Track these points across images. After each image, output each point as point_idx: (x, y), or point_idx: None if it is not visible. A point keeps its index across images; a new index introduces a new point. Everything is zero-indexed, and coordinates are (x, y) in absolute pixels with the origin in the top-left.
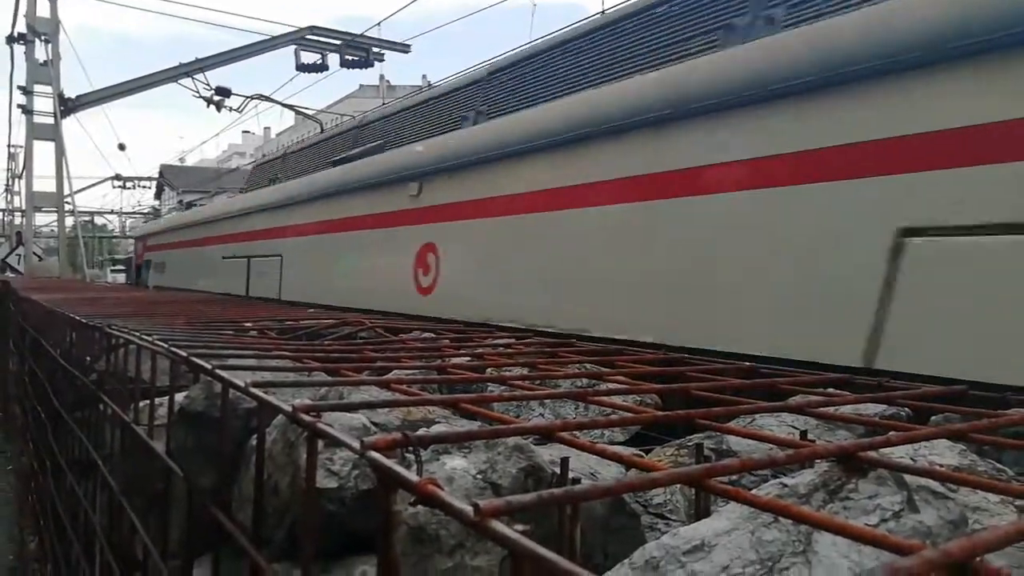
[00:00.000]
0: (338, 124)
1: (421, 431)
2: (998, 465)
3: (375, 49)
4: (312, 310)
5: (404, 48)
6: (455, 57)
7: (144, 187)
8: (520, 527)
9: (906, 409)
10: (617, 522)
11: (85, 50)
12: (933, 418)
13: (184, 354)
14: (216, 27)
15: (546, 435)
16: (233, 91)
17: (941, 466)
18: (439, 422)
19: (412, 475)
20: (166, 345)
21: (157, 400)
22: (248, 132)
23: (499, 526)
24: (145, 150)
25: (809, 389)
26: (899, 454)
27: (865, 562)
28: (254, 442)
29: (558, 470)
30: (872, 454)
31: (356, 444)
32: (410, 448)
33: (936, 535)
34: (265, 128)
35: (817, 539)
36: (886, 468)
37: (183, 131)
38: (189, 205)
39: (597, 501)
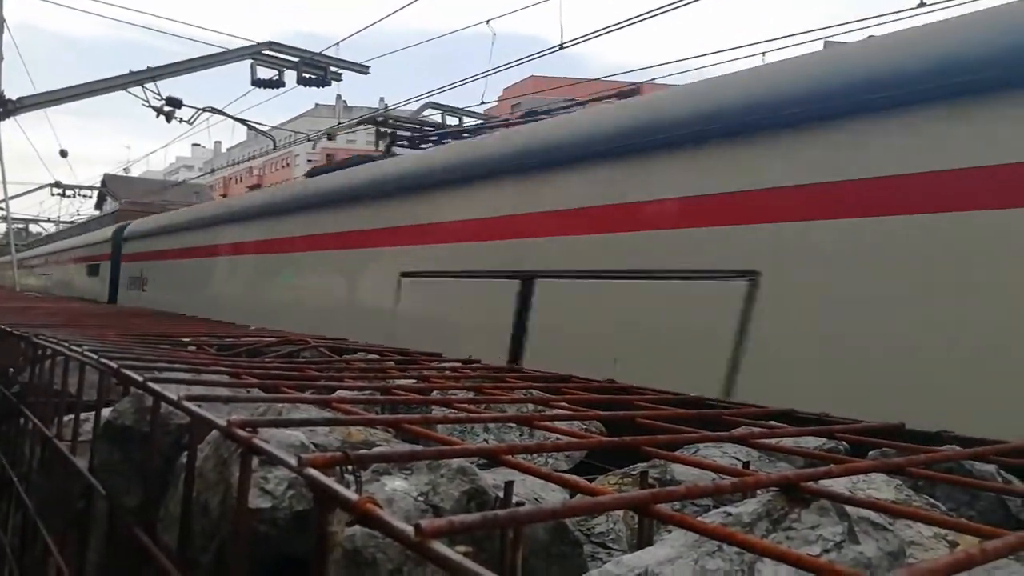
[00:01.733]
0: (293, 141)
1: (361, 450)
2: (932, 500)
3: (333, 68)
4: (254, 327)
5: (363, 69)
6: (413, 80)
7: (85, 196)
8: (462, 548)
9: (844, 443)
10: (559, 549)
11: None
12: (871, 452)
13: (114, 365)
14: (169, 36)
15: (491, 457)
16: (185, 102)
17: (878, 499)
18: (380, 445)
19: (351, 493)
20: (95, 356)
21: (83, 415)
22: (198, 145)
23: (441, 547)
24: (88, 158)
25: (752, 421)
26: (838, 487)
27: None
28: (184, 459)
29: (502, 494)
30: (814, 485)
31: (293, 460)
32: (350, 467)
33: (876, 566)
34: (216, 142)
35: (760, 568)
36: (828, 499)
37: (130, 141)
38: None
39: (540, 527)
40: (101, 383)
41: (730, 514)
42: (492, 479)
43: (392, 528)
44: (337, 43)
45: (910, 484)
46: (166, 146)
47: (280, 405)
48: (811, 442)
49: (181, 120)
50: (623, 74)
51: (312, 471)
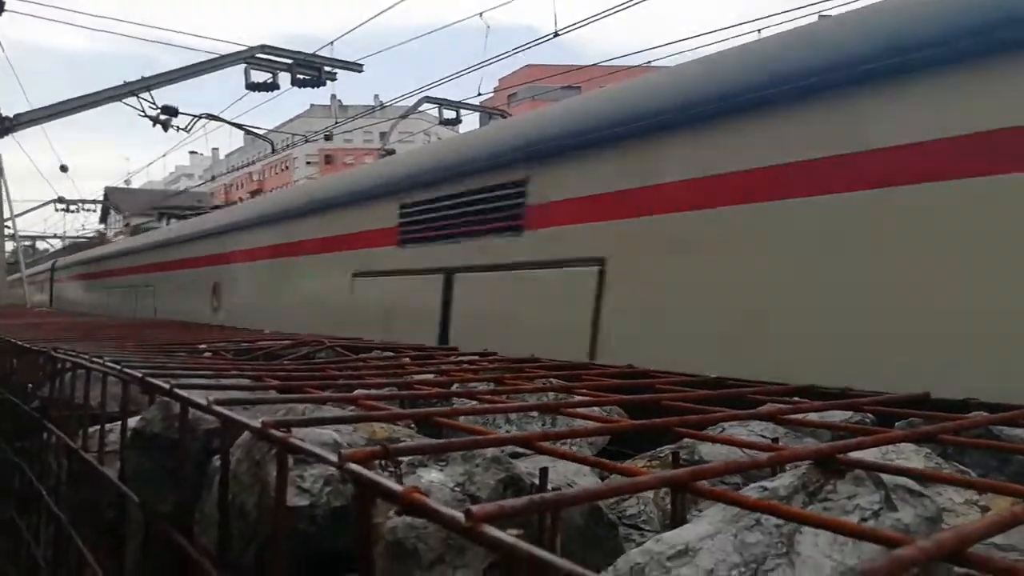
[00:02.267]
0: (290, 143)
1: (400, 443)
2: (961, 467)
3: (327, 68)
4: (268, 331)
5: (357, 67)
6: (409, 76)
7: (89, 210)
8: (514, 531)
9: (869, 415)
10: (596, 532)
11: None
12: (897, 423)
13: (139, 374)
14: (163, 46)
15: (524, 445)
16: (181, 110)
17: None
18: (405, 440)
19: (395, 484)
20: (119, 367)
21: (107, 426)
22: (196, 153)
23: (493, 531)
24: (89, 172)
25: (776, 398)
26: (868, 459)
27: (847, 560)
28: (217, 463)
29: (536, 481)
30: (849, 455)
31: (333, 457)
32: (388, 461)
33: (914, 532)
34: (214, 149)
35: (799, 540)
36: (863, 469)
37: (128, 152)
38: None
39: (576, 512)
40: (125, 393)
41: (766, 488)
42: (524, 467)
43: (442, 515)
44: (331, 42)
45: (939, 452)
46: (164, 155)
47: (303, 406)
48: (837, 415)
49: (178, 128)
50: (619, 58)
51: (354, 466)
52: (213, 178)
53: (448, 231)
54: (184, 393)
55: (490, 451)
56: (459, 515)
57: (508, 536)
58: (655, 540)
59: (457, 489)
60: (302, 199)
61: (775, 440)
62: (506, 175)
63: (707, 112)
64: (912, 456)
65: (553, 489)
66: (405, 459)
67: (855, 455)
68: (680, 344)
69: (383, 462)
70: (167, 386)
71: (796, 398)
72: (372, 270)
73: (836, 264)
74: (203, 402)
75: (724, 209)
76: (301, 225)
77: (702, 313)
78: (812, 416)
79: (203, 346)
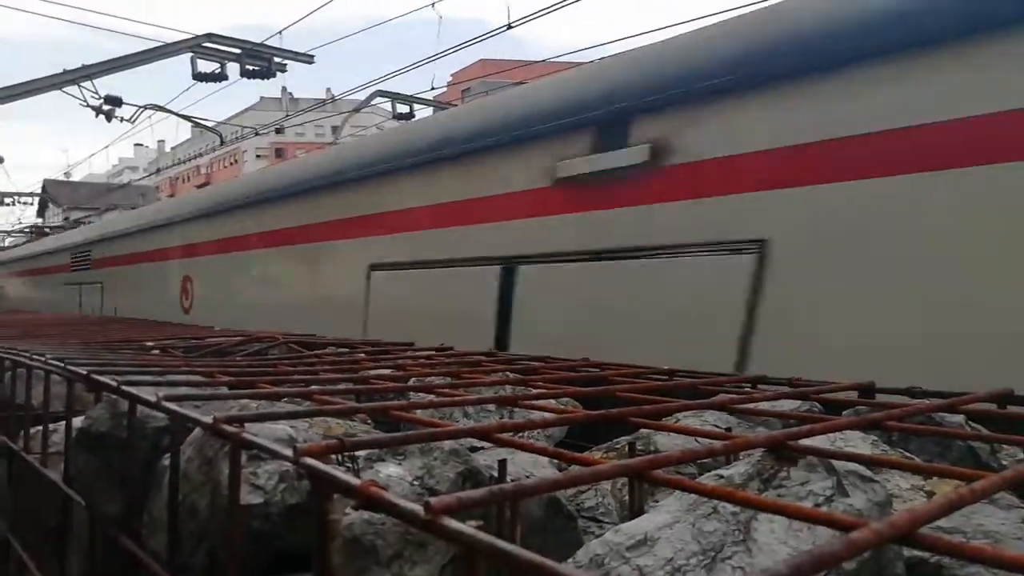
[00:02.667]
0: (239, 136)
1: (355, 437)
2: (907, 453)
3: (277, 59)
4: (218, 328)
5: (307, 59)
6: (360, 69)
7: (25, 203)
8: (474, 523)
9: (817, 404)
10: (554, 524)
11: None
12: (845, 412)
13: (83, 372)
14: (105, 32)
15: (483, 437)
16: (125, 100)
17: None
18: (362, 436)
19: (352, 478)
20: (62, 364)
21: (51, 426)
22: (141, 145)
23: (453, 523)
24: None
25: (728, 388)
26: (819, 446)
27: (802, 546)
28: (166, 462)
29: (495, 473)
30: (800, 443)
31: (288, 452)
32: (344, 455)
33: (866, 516)
34: (160, 141)
35: (755, 527)
36: (815, 455)
37: (68, 144)
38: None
39: (534, 504)
40: (70, 391)
41: (722, 476)
42: (483, 460)
43: (400, 509)
44: (279, 32)
45: (884, 439)
46: (107, 147)
47: (256, 402)
48: (786, 405)
49: (122, 119)
50: (571, 54)
51: (310, 460)
52: (159, 171)
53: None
54: (132, 390)
55: (448, 444)
56: (418, 508)
57: (468, 528)
58: (614, 531)
59: (416, 483)
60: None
61: (728, 429)
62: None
63: None
64: (859, 443)
65: (512, 481)
66: (362, 453)
67: (806, 442)
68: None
69: (340, 456)
70: (114, 383)
71: (747, 388)
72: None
73: None
74: (152, 399)
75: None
76: (309, 206)
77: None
78: (763, 405)
79: (151, 343)
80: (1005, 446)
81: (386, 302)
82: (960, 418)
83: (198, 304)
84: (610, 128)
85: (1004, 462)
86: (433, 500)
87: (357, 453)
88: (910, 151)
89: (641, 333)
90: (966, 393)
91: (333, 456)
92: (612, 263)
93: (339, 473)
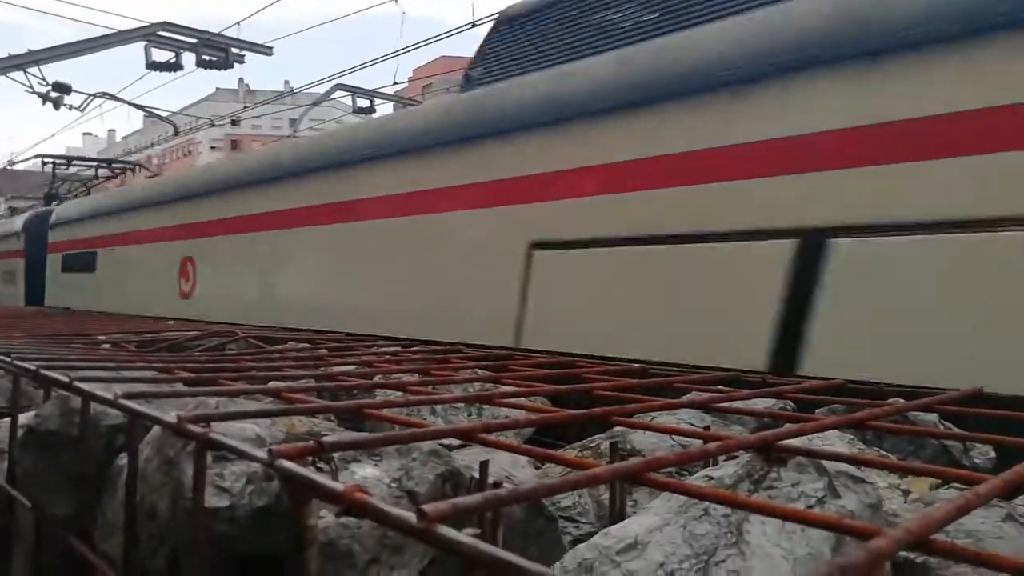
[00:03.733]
0: (193, 127)
1: (331, 437)
2: (882, 451)
3: (234, 50)
4: (173, 322)
5: (266, 50)
6: (320, 62)
7: None
8: (471, 531)
9: (790, 402)
10: (535, 526)
11: None
12: (818, 410)
13: (32, 367)
14: (55, 18)
15: (465, 437)
16: (75, 88)
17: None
18: (326, 434)
19: (335, 483)
20: (8, 359)
21: None
22: (90, 134)
23: (450, 532)
24: None
25: (703, 387)
26: (803, 446)
27: (796, 549)
28: (122, 462)
29: (475, 474)
30: (792, 443)
31: (261, 454)
32: (319, 457)
33: (858, 518)
34: (110, 130)
35: (748, 529)
36: (805, 456)
37: (13, 131)
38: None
39: (516, 505)
40: (16, 387)
41: (711, 478)
42: (461, 460)
43: (391, 516)
44: (238, 23)
45: (860, 437)
46: (54, 135)
47: (217, 399)
48: (761, 403)
49: (71, 107)
50: None
51: (286, 463)
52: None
53: None
54: (86, 387)
55: (427, 444)
56: (409, 515)
57: (466, 537)
58: (603, 534)
59: (394, 485)
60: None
61: (707, 427)
62: None
63: None
64: (836, 442)
65: (493, 483)
66: (336, 455)
67: (792, 443)
68: None
69: (314, 458)
70: (66, 379)
71: (721, 386)
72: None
73: None
74: (108, 396)
75: None
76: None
77: None
78: (739, 404)
79: (102, 337)
80: (976, 444)
81: (563, 297)
82: (934, 417)
83: (209, 297)
84: None
85: (976, 459)
86: (427, 507)
87: (336, 455)
88: None
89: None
90: (937, 391)
91: (309, 458)
92: None
93: (320, 477)
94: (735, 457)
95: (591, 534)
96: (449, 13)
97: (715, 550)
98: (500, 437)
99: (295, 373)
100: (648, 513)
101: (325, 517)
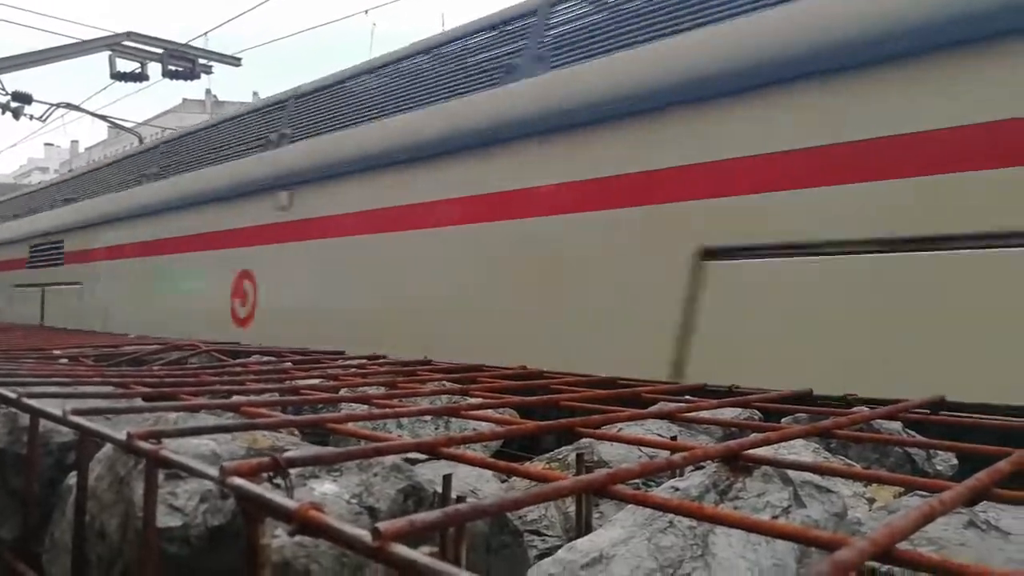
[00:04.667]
0: (159, 139)
1: (289, 453)
2: (847, 460)
3: (202, 60)
4: (133, 335)
5: (234, 61)
6: (290, 74)
7: None
8: (428, 549)
9: (757, 412)
10: (499, 541)
11: None
12: (784, 419)
13: None
14: (15, 26)
15: (429, 451)
16: (35, 98)
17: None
18: (288, 450)
19: (288, 500)
20: None
21: None
22: (52, 145)
23: (404, 550)
24: None
25: (670, 397)
26: (769, 455)
27: (761, 560)
28: (72, 481)
29: (438, 489)
30: (758, 452)
31: (213, 471)
32: (276, 474)
33: (823, 527)
34: (73, 141)
35: (713, 540)
36: (771, 466)
37: None
38: None
39: (478, 519)
40: None
41: (677, 489)
42: (422, 474)
43: (344, 535)
44: (205, 33)
45: (824, 445)
46: (14, 146)
47: (175, 415)
48: (727, 413)
49: (32, 117)
50: None
51: (238, 480)
52: (71, 172)
53: None
54: (34, 403)
55: (389, 459)
56: (364, 534)
57: (422, 556)
58: (568, 548)
59: (354, 501)
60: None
61: (674, 438)
62: None
63: None
64: (802, 451)
65: (457, 498)
66: (294, 471)
67: (758, 452)
68: None
69: (270, 474)
70: (13, 395)
71: (688, 396)
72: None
73: None
74: (57, 412)
75: None
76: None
77: None
78: (705, 414)
79: (58, 352)
80: (939, 452)
81: (751, 319)
82: (897, 425)
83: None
84: None
85: (939, 467)
86: (382, 525)
87: (292, 471)
88: None
89: None
90: (901, 400)
91: (265, 474)
92: None
93: (272, 495)
94: (701, 467)
95: (558, 547)
96: (421, 23)
97: (681, 562)
98: (467, 450)
99: (258, 387)
100: (614, 526)
101: (280, 536)
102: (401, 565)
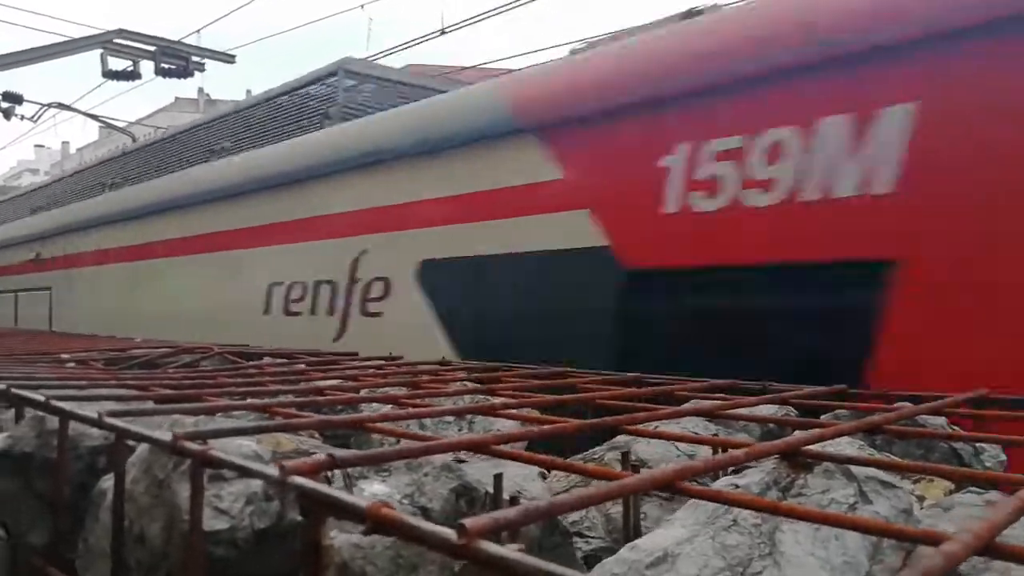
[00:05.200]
0: (151, 138)
1: (344, 452)
2: (892, 456)
3: (195, 58)
4: (140, 339)
5: (228, 58)
6: (284, 70)
7: None
8: (515, 546)
9: (793, 409)
10: (550, 542)
11: None
12: (823, 415)
13: (2, 386)
14: (5, 25)
15: (479, 449)
16: (26, 98)
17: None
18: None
19: (359, 498)
20: None
21: None
22: (42, 146)
23: (493, 547)
24: None
25: (701, 394)
26: (818, 451)
27: (832, 557)
28: (104, 485)
29: (489, 489)
30: (816, 448)
31: (272, 471)
32: (332, 472)
33: (894, 523)
34: (64, 142)
35: (780, 539)
36: (833, 462)
37: None
38: None
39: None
40: None
41: (737, 486)
42: (471, 473)
43: (424, 532)
44: (198, 30)
45: (868, 442)
46: (4, 147)
47: (194, 418)
48: (764, 410)
49: (23, 117)
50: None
51: (300, 479)
52: (63, 173)
53: None
54: (64, 405)
55: (437, 458)
56: (447, 531)
57: (513, 552)
58: (630, 547)
59: (406, 501)
60: None
61: (715, 435)
62: None
63: None
64: (846, 447)
65: (510, 497)
66: (337, 472)
67: (814, 448)
68: None
69: (332, 472)
70: (42, 398)
71: (720, 394)
72: None
73: None
74: (92, 415)
75: None
76: None
77: None
78: (743, 411)
79: (66, 356)
80: (986, 447)
81: None
82: (942, 420)
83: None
84: None
85: (987, 463)
86: (467, 522)
87: (337, 471)
88: None
89: None
90: (944, 395)
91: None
92: None
93: (341, 494)
94: (749, 466)
95: (602, 549)
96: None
97: (750, 561)
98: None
99: (278, 388)
100: (674, 525)
101: (336, 536)
102: (490, 562)
